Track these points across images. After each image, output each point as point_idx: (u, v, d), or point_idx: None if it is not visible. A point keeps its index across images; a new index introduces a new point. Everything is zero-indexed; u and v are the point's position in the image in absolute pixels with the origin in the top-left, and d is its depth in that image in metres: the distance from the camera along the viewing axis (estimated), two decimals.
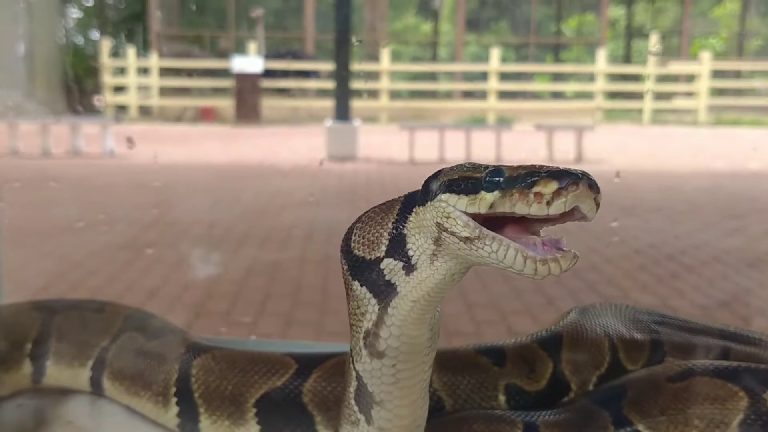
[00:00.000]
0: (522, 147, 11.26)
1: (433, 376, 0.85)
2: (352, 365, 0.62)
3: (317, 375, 0.82)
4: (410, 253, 0.57)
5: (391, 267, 0.58)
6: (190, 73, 15.32)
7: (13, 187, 7.23)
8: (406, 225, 0.58)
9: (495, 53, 16.06)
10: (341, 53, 9.68)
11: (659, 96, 16.73)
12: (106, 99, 15.01)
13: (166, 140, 11.89)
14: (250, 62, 14.46)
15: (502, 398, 0.88)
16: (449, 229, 0.54)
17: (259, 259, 4.59)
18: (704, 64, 15.96)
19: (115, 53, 16.82)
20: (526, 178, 0.52)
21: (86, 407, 0.92)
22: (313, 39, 18.42)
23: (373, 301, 0.59)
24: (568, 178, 0.51)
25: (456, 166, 0.58)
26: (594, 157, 9.94)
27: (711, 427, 0.79)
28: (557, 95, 19.57)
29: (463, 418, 0.83)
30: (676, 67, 18.24)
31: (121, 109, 15.76)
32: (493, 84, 15.75)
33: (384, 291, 0.58)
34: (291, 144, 11.53)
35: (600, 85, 16.21)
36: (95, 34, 19.49)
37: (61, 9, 18.06)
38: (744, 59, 20.36)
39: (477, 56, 22.64)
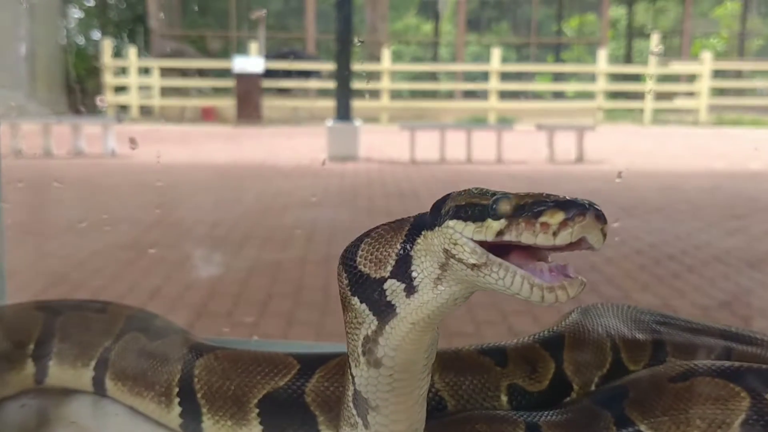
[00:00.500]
0: (523, 147, 11.26)
1: (435, 377, 0.85)
2: (349, 370, 0.62)
3: (320, 375, 0.82)
4: (414, 274, 0.57)
5: (393, 288, 0.58)
6: (184, 72, 15.32)
7: (16, 187, 7.21)
8: (414, 247, 0.57)
9: (496, 53, 16.06)
10: (342, 53, 9.70)
11: (660, 96, 16.73)
12: (108, 99, 15.05)
13: (167, 140, 11.89)
14: (251, 62, 14.47)
15: (504, 398, 0.88)
16: (456, 256, 0.54)
17: (261, 260, 4.59)
18: (705, 64, 15.95)
19: (117, 53, 16.84)
20: (532, 207, 0.52)
21: (89, 407, 0.92)
22: (314, 39, 18.43)
23: (372, 317, 0.59)
24: (574, 208, 0.51)
25: (463, 191, 0.58)
26: (595, 157, 9.94)
27: (713, 428, 0.79)
28: (558, 95, 19.57)
29: (466, 419, 0.84)
30: (677, 67, 18.24)
31: (123, 109, 15.79)
32: (494, 84, 15.76)
33: (384, 311, 0.58)
34: (292, 144, 11.54)
35: (601, 85, 16.21)
36: (96, 35, 19.52)
37: (62, 9, 18.08)
38: (745, 59, 20.35)
39: (478, 56, 22.65)
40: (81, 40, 20.53)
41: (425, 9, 23.36)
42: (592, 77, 18.06)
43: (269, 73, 14.45)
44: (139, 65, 15.62)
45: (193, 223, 5.67)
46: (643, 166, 9.26)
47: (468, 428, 0.82)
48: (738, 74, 19.45)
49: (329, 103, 11.58)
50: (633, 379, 0.88)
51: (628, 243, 5.15)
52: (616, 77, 20.51)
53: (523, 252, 0.53)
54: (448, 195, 0.58)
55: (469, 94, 18.60)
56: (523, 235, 0.51)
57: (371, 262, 0.60)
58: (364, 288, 0.60)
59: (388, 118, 15.34)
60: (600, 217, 0.52)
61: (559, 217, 0.50)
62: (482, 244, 0.53)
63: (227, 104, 15.37)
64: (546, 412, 0.83)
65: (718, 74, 17.51)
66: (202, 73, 15.55)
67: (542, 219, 0.51)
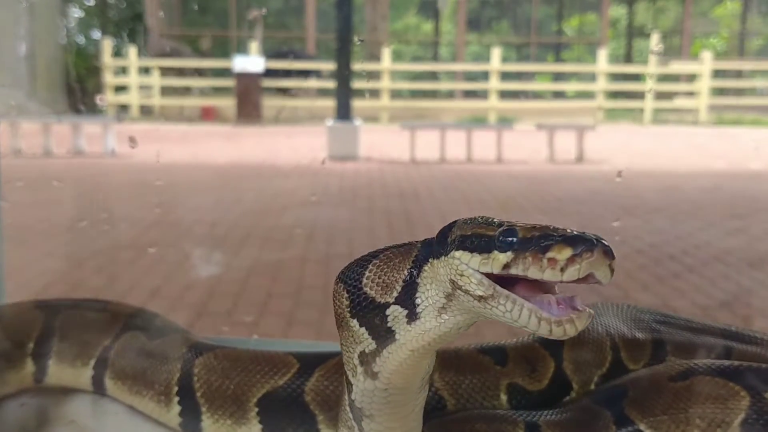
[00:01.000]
0: (523, 147, 11.26)
1: (435, 375, 0.85)
2: (346, 377, 0.62)
3: (319, 374, 0.82)
4: (417, 301, 0.56)
5: (396, 314, 0.57)
6: (181, 71, 15.33)
7: (16, 186, 7.23)
8: (421, 274, 0.57)
9: (496, 53, 16.06)
10: (342, 53, 9.70)
11: (660, 95, 16.73)
12: (108, 98, 15.08)
13: (167, 140, 11.91)
14: (251, 62, 14.49)
15: (503, 398, 0.88)
16: (463, 287, 0.53)
17: (261, 259, 4.60)
18: (705, 63, 15.96)
19: (117, 53, 16.87)
20: (539, 241, 0.51)
21: (88, 406, 0.92)
22: (314, 38, 18.44)
23: (370, 340, 0.58)
24: (582, 244, 0.50)
25: (470, 220, 0.57)
26: (595, 156, 9.94)
27: (713, 427, 0.79)
28: (558, 95, 19.58)
29: (465, 418, 0.84)
30: (677, 67, 18.24)
31: (123, 108, 15.82)
32: (495, 83, 15.76)
33: (383, 336, 0.57)
34: (292, 143, 11.55)
35: (601, 84, 16.21)
36: (96, 34, 19.54)
37: (62, 9, 18.10)
38: (745, 59, 20.35)
39: (478, 56, 22.67)
40: (81, 40, 20.55)
41: (425, 8, 23.37)
42: (592, 77, 18.07)
43: (268, 73, 14.46)
44: (139, 65, 15.64)
45: (193, 222, 5.67)
46: (644, 166, 9.26)
47: (467, 428, 0.82)
48: (738, 74, 19.45)
49: (329, 103, 11.59)
50: (633, 378, 0.88)
51: (629, 243, 5.15)
52: (616, 77, 20.53)
53: (529, 282, 0.52)
54: (455, 222, 0.57)
55: (470, 94, 18.61)
56: (530, 269, 0.50)
57: (378, 285, 0.58)
58: (366, 311, 0.59)
59: (388, 118, 15.35)
60: (608, 253, 0.51)
61: (567, 253, 0.50)
62: (489, 275, 0.52)
63: (227, 104, 15.38)
64: (546, 412, 0.83)
65: (718, 74, 17.52)
66: (199, 72, 15.56)
67: (550, 254, 0.50)
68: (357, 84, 12.77)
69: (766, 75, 19.37)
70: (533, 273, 0.50)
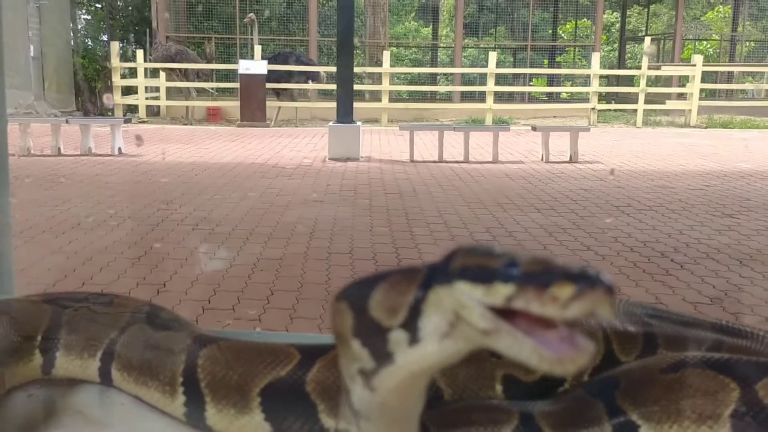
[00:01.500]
0: (519, 147, 11.31)
1: None
2: (343, 380, 0.62)
3: (320, 365, 0.83)
4: (420, 326, 0.55)
5: (398, 338, 0.56)
6: (185, 73, 15.32)
7: (25, 182, 7.26)
8: (425, 300, 0.55)
9: (493, 56, 16.13)
10: (344, 56, 9.72)
11: (652, 98, 16.81)
12: (116, 100, 15.13)
13: (173, 140, 11.95)
14: (255, 64, 14.54)
15: (498, 388, 0.90)
16: (465, 319, 0.53)
17: (264, 256, 4.63)
18: (696, 67, 16.05)
19: (124, 55, 16.87)
20: (541, 276, 0.50)
21: (95, 397, 0.93)
22: (316, 42, 18.46)
23: (371, 360, 0.58)
24: (584, 282, 0.49)
25: (472, 248, 0.56)
26: (589, 157, 10.00)
27: (703, 418, 0.80)
28: (553, 97, 19.66)
29: (462, 408, 0.85)
30: (669, 70, 18.33)
31: (131, 109, 15.86)
32: (491, 86, 15.82)
33: (383, 357, 0.57)
34: (294, 144, 11.58)
35: (595, 87, 16.28)
36: (104, 37, 19.53)
37: (71, 12, 18.06)
38: (736, 62, 20.47)
39: (475, 59, 22.71)
40: (89, 43, 20.55)
41: (424, 13, 23.43)
42: (586, 80, 18.12)
43: (269, 75, 14.51)
44: (146, 67, 15.67)
45: (198, 220, 5.70)
46: (636, 166, 9.32)
47: (464, 417, 0.83)
48: (729, 77, 19.56)
49: (330, 105, 11.58)
50: (625, 370, 0.89)
51: (621, 240, 5.19)
52: (609, 80, 20.62)
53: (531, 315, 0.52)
54: (457, 251, 0.56)
55: (467, 96, 18.65)
56: (532, 304, 0.50)
57: (386, 309, 0.57)
58: (370, 334, 0.58)
59: (388, 120, 15.38)
60: (611, 291, 0.50)
61: (569, 290, 0.49)
62: (491, 307, 0.52)
63: (232, 105, 15.41)
64: (540, 402, 0.85)
65: (709, 77, 17.60)
66: (200, 75, 15.55)
67: (551, 292, 0.49)
68: (358, 86, 12.81)
69: (756, 78, 19.47)
70: (535, 308, 0.50)
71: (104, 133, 10.18)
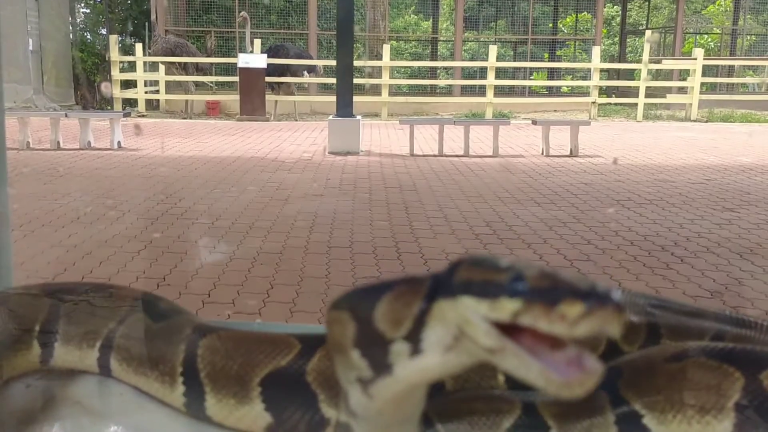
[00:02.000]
0: (519, 141, 11.31)
1: None
2: (341, 383, 0.61)
3: (320, 355, 0.83)
4: (422, 337, 0.54)
5: (399, 350, 0.55)
6: (184, 66, 15.29)
7: (24, 176, 7.27)
8: (429, 312, 0.54)
9: (493, 50, 16.10)
10: (343, 49, 9.71)
11: (653, 92, 16.79)
12: (114, 93, 15.13)
13: (172, 134, 11.96)
14: (255, 58, 14.52)
15: (501, 378, 0.89)
16: (470, 335, 0.51)
17: (264, 250, 4.63)
18: (697, 60, 16.02)
19: (123, 49, 16.84)
20: (549, 293, 0.49)
21: (94, 388, 0.93)
22: (316, 36, 18.44)
23: (369, 370, 0.57)
24: (594, 300, 0.48)
25: (476, 261, 0.54)
26: (589, 151, 9.99)
27: (707, 407, 0.79)
28: (554, 91, 19.63)
29: (464, 398, 0.85)
30: (669, 64, 18.30)
31: (130, 103, 15.86)
32: (492, 80, 15.80)
33: (382, 368, 0.56)
34: (294, 138, 11.58)
35: (595, 81, 16.26)
36: (103, 30, 19.52)
37: (70, 5, 18.03)
38: (736, 56, 20.43)
39: (476, 53, 22.68)
40: (88, 36, 20.53)
41: (424, 6, 23.39)
42: (586, 74, 18.10)
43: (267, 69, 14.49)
44: (145, 60, 15.66)
45: (199, 213, 5.70)
46: (636, 160, 9.31)
47: (466, 407, 0.83)
48: (730, 70, 19.53)
49: (330, 98, 11.57)
50: (628, 360, 0.89)
51: (621, 234, 5.19)
52: (610, 73, 20.58)
53: (538, 333, 0.50)
54: (461, 262, 0.55)
55: (467, 90, 18.63)
56: (539, 322, 0.48)
57: (391, 320, 0.55)
58: (372, 345, 0.56)
59: (387, 113, 15.38)
60: (620, 309, 0.48)
61: (578, 309, 0.47)
62: (496, 323, 0.50)
63: (231, 99, 15.40)
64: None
65: (710, 70, 17.58)
66: (199, 68, 15.52)
67: (559, 309, 0.48)
68: (357, 80, 12.79)
69: (757, 71, 19.45)
70: (542, 326, 0.49)
71: (103, 127, 10.18)
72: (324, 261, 4.38)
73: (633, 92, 16.55)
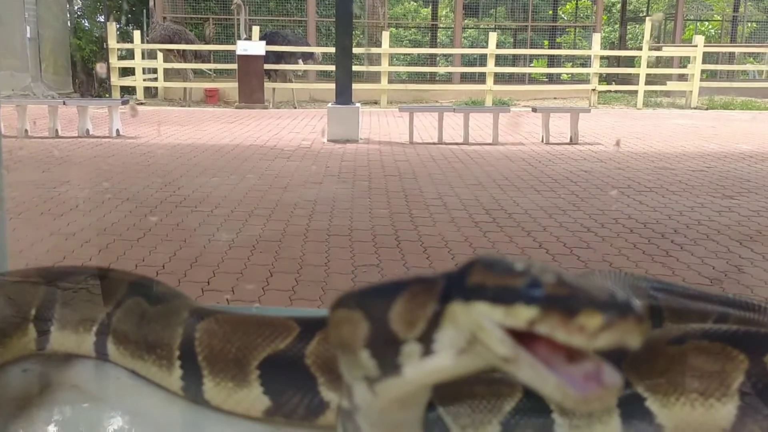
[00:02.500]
0: (519, 129, 11.28)
1: None
2: (344, 377, 0.60)
3: (320, 338, 0.82)
4: (435, 338, 0.52)
5: (410, 351, 0.53)
6: (183, 54, 15.22)
7: (22, 164, 7.25)
8: (443, 314, 0.52)
9: (493, 37, 16.03)
10: (342, 37, 9.65)
11: (653, 79, 16.74)
12: (113, 81, 15.07)
13: (171, 122, 11.94)
14: (253, 45, 14.45)
15: None
16: (483, 342, 0.49)
17: (263, 237, 4.63)
18: (698, 47, 15.96)
19: (121, 36, 16.75)
20: (567, 301, 0.46)
21: (91, 372, 0.92)
22: (315, 22, 18.35)
23: (377, 370, 0.55)
24: (614, 311, 0.45)
25: (490, 263, 0.52)
26: (589, 139, 9.97)
27: (710, 390, 0.78)
28: (554, 78, 19.57)
29: (465, 381, 0.84)
30: (670, 51, 18.24)
31: (128, 91, 15.81)
32: (491, 67, 15.74)
33: (391, 368, 0.54)
34: (293, 126, 11.55)
35: (595, 68, 16.20)
36: (101, 18, 19.41)
37: None
38: (737, 43, 20.36)
39: (475, 40, 22.58)
40: (86, 23, 20.42)
41: None
42: (586, 61, 18.02)
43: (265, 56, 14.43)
44: (144, 48, 15.58)
45: (197, 201, 5.70)
46: (636, 148, 9.30)
47: (466, 389, 0.82)
48: (730, 57, 19.46)
49: (329, 86, 11.54)
50: None
51: (621, 222, 5.18)
52: (610, 61, 20.51)
53: (554, 343, 0.48)
54: (476, 262, 0.52)
55: (467, 77, 18.57)
56: (557, 333, 0.46)
57: (405, 322, 0.54)
58: (384, 346, 0.54)
59: (387, 101, 15.34)
60: (641, 320, 0.46)
61: (597, 321, 0.45)
62: (511, 330, 0.48)
63: (230, 87, 15.34)
64: None
65: (710, 57, 17.52)
66: (198, 56, 15.45)
67: (578, 320, 0.45)
68: (357, 67, 12.73)
69: (757, 58, 19.38)
70: (560, 336, 0.46)
71: (102, 115, 10.14)
72: (323, 249, 4.37)
73: (633, 79, 16.50)
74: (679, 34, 19.73)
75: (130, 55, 15.77)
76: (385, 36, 15.94)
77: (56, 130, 9.38)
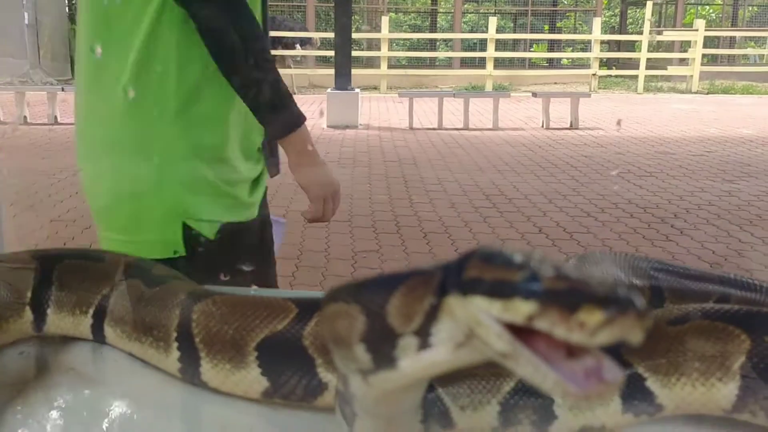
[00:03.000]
0: (519, 114, 11.25)
1: None
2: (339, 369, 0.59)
3: (318, 319, 0.82)
4: (432, 331, 0.51)
5: (406, 344, 0.52)
6: None
7: (21, 151, 7.21)
8: (440, 307, 0.51)
9: (493, 21, 15.94)
10: (341, 22, 9.59)
11: (654, 63, 16.66)
12: None
13: None
14: None
15: None
16: (481, 337, 0.48)
17: None
18: (698, 31, 15.88)
19: None
20: (567, 296, 0.45)
21: (88, 354, 0.92)
22: (314, 7, 18.22)
23: (371, 364, 0.54)
24: (615, 306, 0.44)
25: (488, 256, 0.50)
26: (590, 124, 9.94)
27: (712, 370, 0.78)
28: (554, 63, 19.47)
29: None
30: (670, 35, 18.14)
31: None
32: (491, 52, 15.66)
33: (386, 362, 0.53)
34: None
35: (596, 53, 16.13)
36: None
37: None
38: (738, 27, 20.25)
39: (475, 25, 22.45)
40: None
41: None
42: (587, 45, 17.94)
43: None
44: None
45: None
46: (637, 132, 9.27)
47: (465, 370, 0.82)
48: (731, 42, 19.37)
49: (328, 71, 11.49)
50: None
51: (621, 206, 5.18)
52: (611, 45, 20.41)
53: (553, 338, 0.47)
54: (473, 254, 0.51)
55: (467, 62, 18.48)
56: (556, 329, 0.45)
57: (402, 315, 0.53)
58: (380, 340, 0.54)
59: (386, 86, 15.28)
60: (643, 315, 0.45)
61: (598, 317, 0.44)
62: (510, 325, 0.47)
63: None
64: None
65: (711, 42, 17.43)
66: None
67: (578, 317, 0.44)
68: (356, 52, 12.63)
69: (758, 43, 19.29)
70: (559, 333, 0.45)
71: None
72: (323, 235, 4.37)
73: (634, 64, 16.43)
74: (680, 18, 19.62)
75: None
76: (385, 21, 15.86)
77: (55, 117, 9.36)
